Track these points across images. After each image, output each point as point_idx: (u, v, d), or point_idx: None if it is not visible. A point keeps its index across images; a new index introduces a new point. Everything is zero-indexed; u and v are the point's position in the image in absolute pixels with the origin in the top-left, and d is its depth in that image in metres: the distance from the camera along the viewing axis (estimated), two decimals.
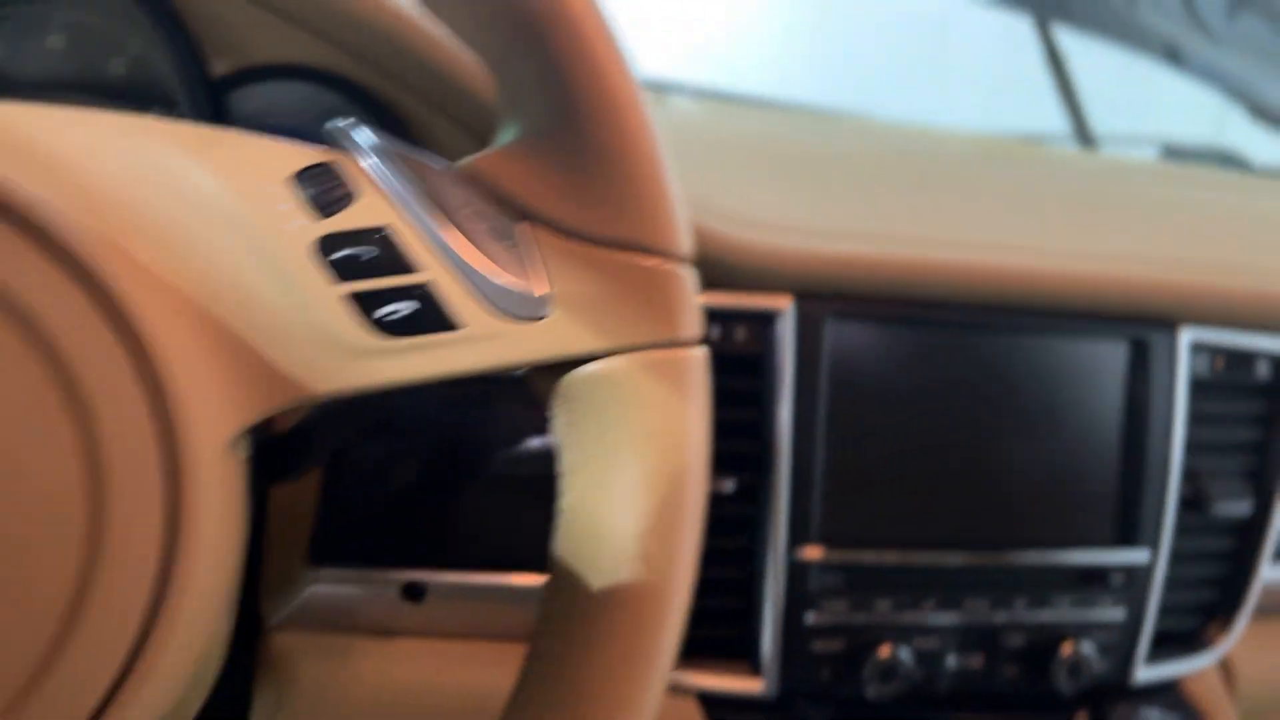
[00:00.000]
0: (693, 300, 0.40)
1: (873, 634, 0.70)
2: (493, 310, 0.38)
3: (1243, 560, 0.80)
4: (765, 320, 0.67)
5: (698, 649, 0.70)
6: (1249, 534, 0.79)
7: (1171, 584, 0.77)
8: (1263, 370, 0.79)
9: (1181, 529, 0.77)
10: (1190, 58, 1.43)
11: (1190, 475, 0.77)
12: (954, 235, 0.72)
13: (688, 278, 0.40)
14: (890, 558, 0.70)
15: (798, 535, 0.68)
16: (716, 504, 0.67)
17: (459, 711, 0.67)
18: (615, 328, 0.39)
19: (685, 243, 0.40)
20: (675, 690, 0.68)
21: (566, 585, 0.39)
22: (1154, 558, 0.75)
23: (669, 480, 0.39)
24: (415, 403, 0.66)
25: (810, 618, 0.69)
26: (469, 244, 0.38)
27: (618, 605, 0.38)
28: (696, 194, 0.65)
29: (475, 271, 0.38)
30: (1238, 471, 0.79)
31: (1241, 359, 0.78)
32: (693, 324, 0.40)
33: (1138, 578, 0.75)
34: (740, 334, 0.67)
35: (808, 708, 0.71)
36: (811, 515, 0.68)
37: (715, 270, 0.66)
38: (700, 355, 0.40)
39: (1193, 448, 0.77)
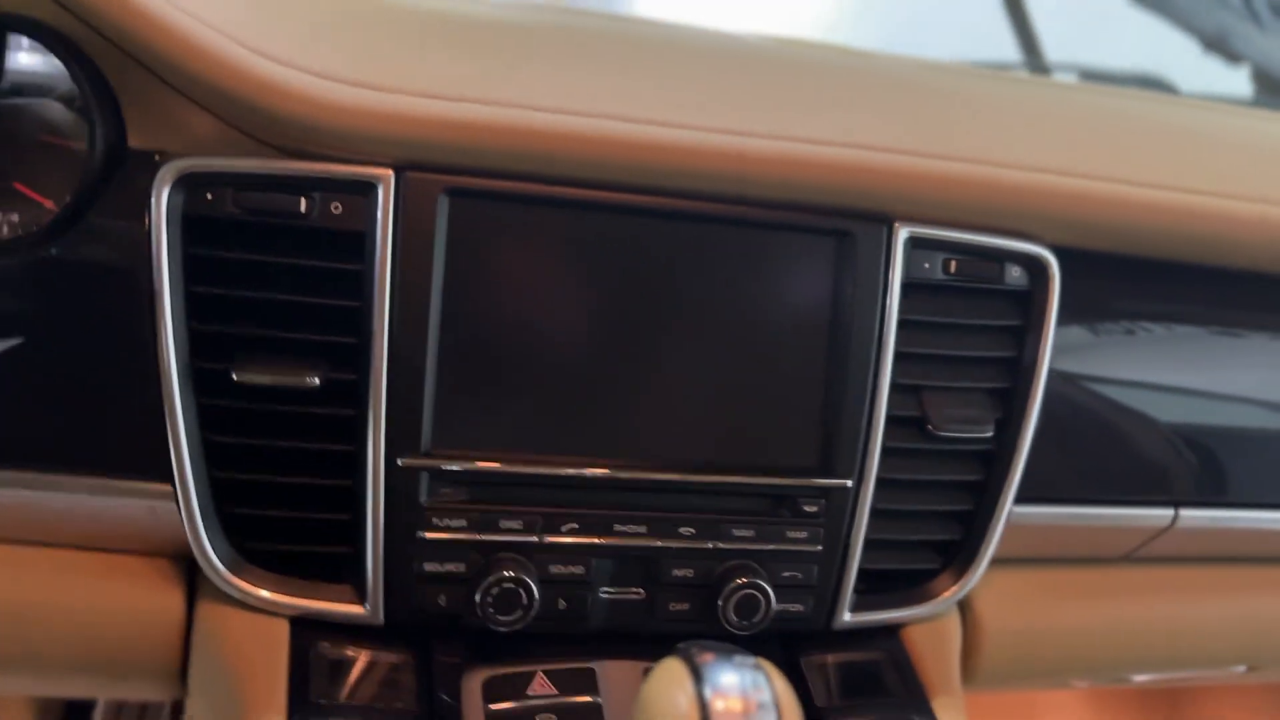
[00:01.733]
0: None
1: (498, 557, 0.61)
2: None
3: (983, 493, 0.69)
4: (363, 192, 0.58)
5: (303, 566, 0.62)
6: (993, 462, 0.69)
7: (887, 516, 0.67)
8: (1014, 275, 0.68)
9: (901, 454, 0.66)
10: None
11: (912, 390, 0.66)
12: (617, 110, 0.62)
13: None
14: (520, 468, 0.61)
15: (403, 440, 0.59)
16: (306, 400, 0.59)
17: None
18: None
19: None
20: (265, 609, 0.61)
21: None
22: (859, 484, 0.65)
23: None
24: None
25: (423, 535, 0.61)
26: None
27: None
28: (293, 53, 0.56)
29: None
30: (980, 390, 0.68)
31: (985, 261, 0.67)
32: None
33: (836, 507, 0.65)
34: (336, 208, 0.58)
35: (432, 640, 0.63)
36: (420, 418, 0.59)
37: (310, 134, 0.57)
38: None
39: (917, 360, 0.66)
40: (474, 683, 0.62)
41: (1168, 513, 0.75)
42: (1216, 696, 1.56)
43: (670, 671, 0.45)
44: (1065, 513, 0.72)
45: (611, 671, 0.64)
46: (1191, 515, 0.75)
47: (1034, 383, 0.68)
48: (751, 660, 0.45)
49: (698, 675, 0.44)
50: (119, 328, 0.57)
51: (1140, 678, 0.83)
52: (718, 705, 0.43)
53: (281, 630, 0.61)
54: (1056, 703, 1.60)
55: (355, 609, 0.61)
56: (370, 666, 0.61)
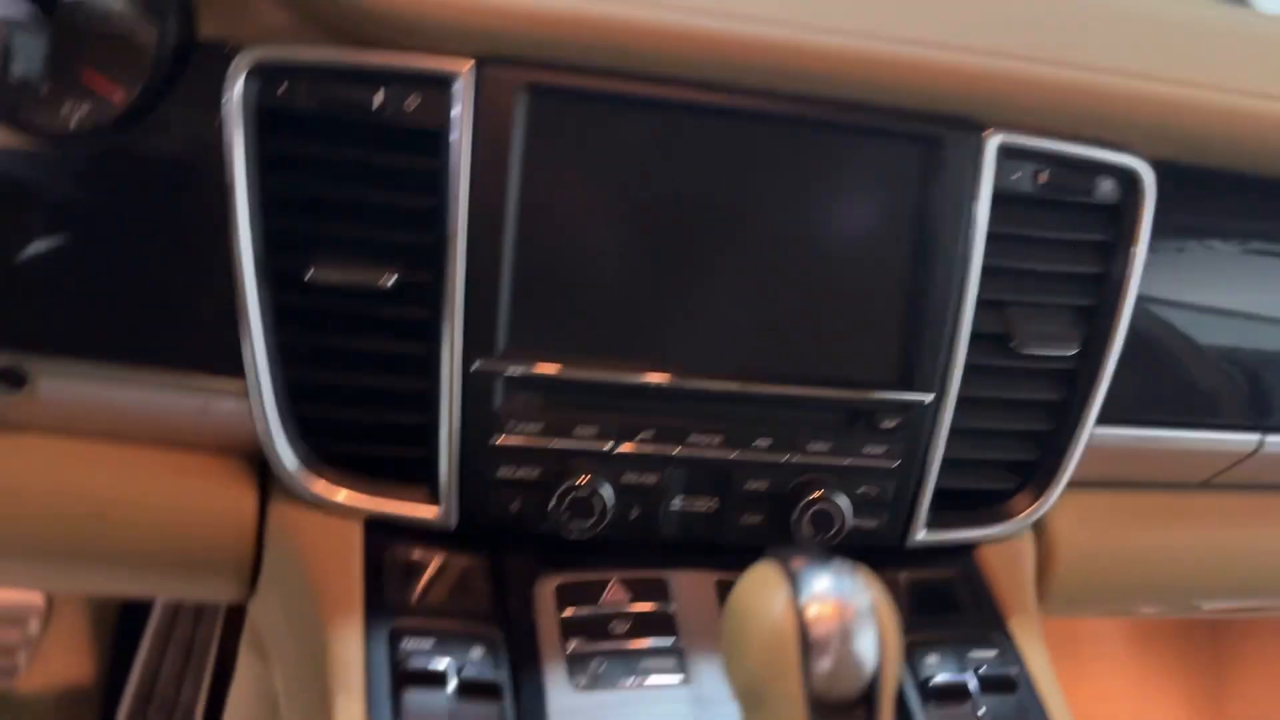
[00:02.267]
0: None
1: (572, 464, 0.60)
2: None
3: (1065, 414, 0.67)
4: (441, 86, 0.56)
5: (376, 468, 0.61)
6: (1074, 382, 0.67)
7: (966, 435, 0.66)
8: (1106, 188, 0.65)
9: (982, 371, 0.65)
10: None
11: (996, 306, 0.64)
12: (703, 5, 0.59)
13: None
14: (595, 375, 0.60)
15: (478, 344, 0.58)
16: (381, 301, 0.58)
17: (67, 516, 0.60)
18: None
19: None
20: (338, 511, 0.60)
21: None
22: (939, 401, 0.63)
23: None
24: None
25: (497, 440, 0.60)
26: None
27: None
28: None
29: None
30: (1066, 307, 0.66)
31: (1076, 173, 0.64)
32: None
33: (915, 423, 0.63)
34: (412, 103, 0.57)
35: (503, 546, 0.63)
36: (496, 321, 0.58)
37: (388, 23, 0.55)
38: None
39: (1003, 275, 0.64)
40: (547, 589, 0.61)
41: (1253, 438, 0.73)
42: (1259, 636, 1.55)
43: (764, 576, 0.44)
44: (1146, 435, 0.71)
45: (683, 581, 0.63)
46: (1278, 441, 0.73)
47: (1121, 301, 0.65)
48: (849, 565, 0.44)
49: (793, 580, 0.43)
50: (192, 222, 0.56)
51: (1210, 605, 0.82)
52: (814, 610, 0.42)
53: (354, 532, 0.60)
54: (1099, 636, 1.60)
55: (428, 512, 0.61)
56: (443, 570, 0.61)
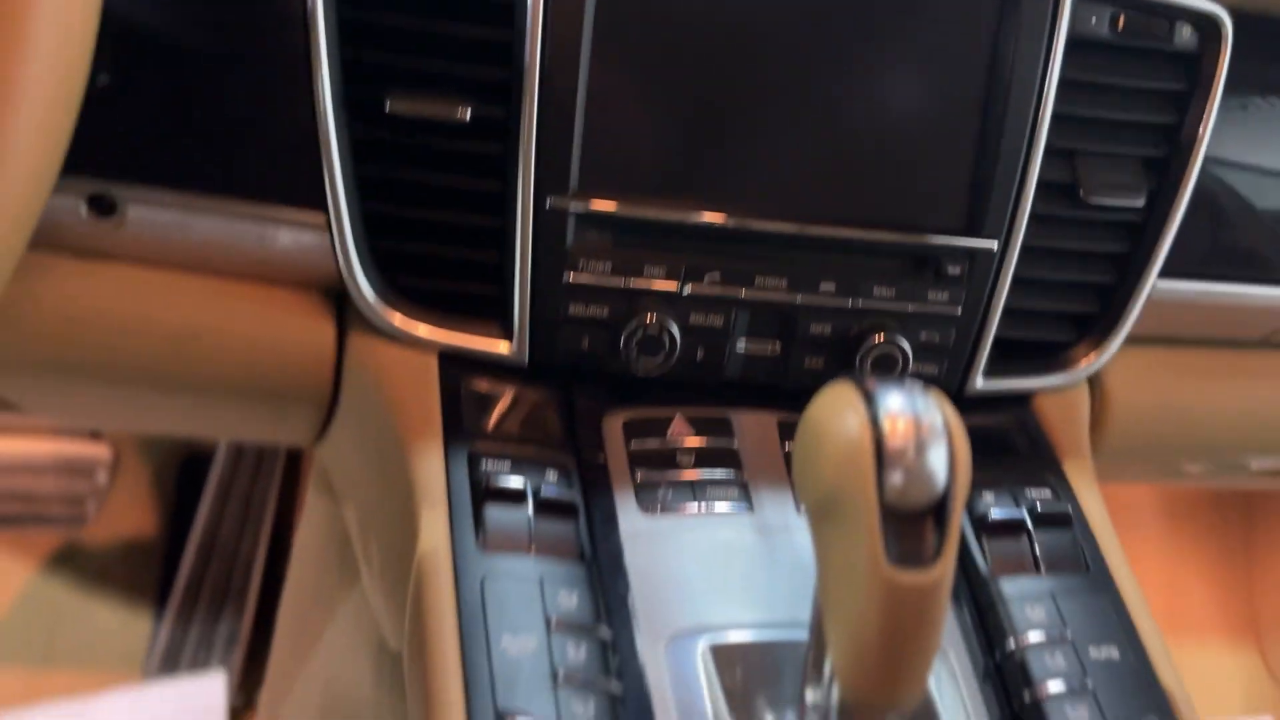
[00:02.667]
0: None
1: (642, 302, 0.62)
2: None
3: (1128, 266, 0.67)
4: None
5: (451, 304, 0.63)
6: (1140, 234, 0.67)
7: (1029, 285, 0.66)
8: (1184, 36, 0.64)
9: (1048, 220, 0.65)
10: None
11: (1065, 155, 0.64)
12: None
13: None
14: (666, 214, 0.61)
15: (552, 180, 0.59)
16: (458, 135, 0.59)
17: (157, 342, 0.63)
18: None
19: None
20: (414, 344, 0.62)
21: None
22: (1004, 249, 0.64)
23: None
24: None
25: (568, 277, 0.61)
26: None
27: None
28: None
29: None
30: (1136, 158, 0.66)
31: (1155, 18, 0.63)
32: None
33: (979, 270, 0.64)
34: None
35: (573, 382, 0.65)
36: (570, 158, 0.59)
37: None
38: None
39: (1074, 123, 0.64)
40: (615, 424, 0.63)
41: None
42: None
43: (841, 393, 0.45)
44: (1206, 289, 0.71)
45: (746, 420, 0.65)
46: None
47: (1193, 153, 0.65)
48: (921, 386, 0.45)
49: (869, 397, 0.44)
50: (274, 53, 0.57)
51: (1259, 464, 0.83)
52: (889, 424, 0.43)
53: (430, 365, 0.62)
54: (1135, 509, 1.62)
55: (502, 348, 0.62)
56: (516, 402, 0.63)
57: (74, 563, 1.36)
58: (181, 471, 1.45)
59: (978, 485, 0.64)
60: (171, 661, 1.33)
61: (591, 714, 0.48)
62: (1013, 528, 0.62)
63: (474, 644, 0.50)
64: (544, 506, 0.56)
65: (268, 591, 1.35)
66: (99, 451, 1.35)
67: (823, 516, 0.46)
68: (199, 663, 1.32)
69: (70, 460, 1.35)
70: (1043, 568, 0.60)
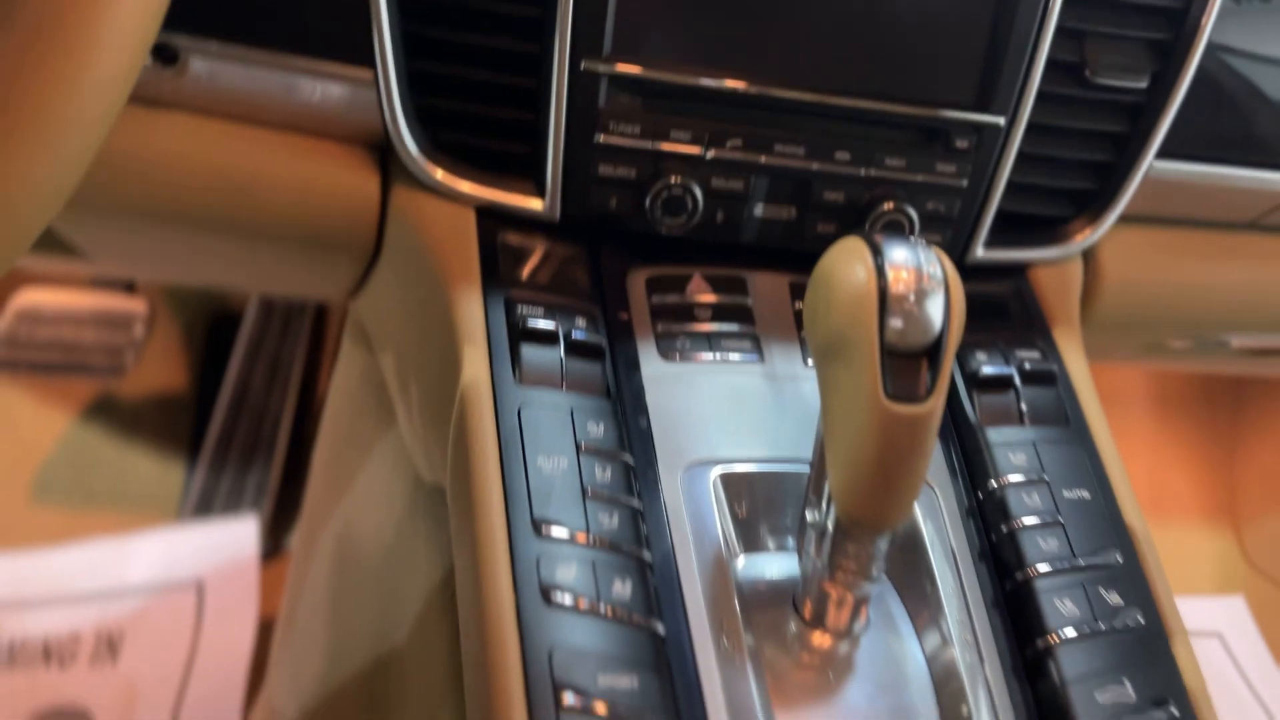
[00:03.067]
0: None
1: (667, 164, 0.66)
2: None
3: (1127, 145, 0.71)
4: None
5: (488, 161, 0.67)
6: (1140, 115, 0.70)
7: (1032, 161, 0.70)
8: None
9: (1054, 99, 0.68)
10: None
11: (1074, 35, 0.67)
12: None
13: None
14: (692, 80, 0.64)
15: (586, 43, 0.63)
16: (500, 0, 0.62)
17: (211, 185, 0.67)
18: None
19: None
20: (454, 198, 0.67)
21: None
22: (1010, 124, 0.68)
23: None
24: None
25: (599, 138, 0.65)
26: None
27: None
28: None
29: None
30: (1141, 39, 0.69)
31: None
32: None
33: (986, 145, 0.68)
34: None
35: (601, 239, 0.69)
36: (604, 23, 0.62)
37: None
38: None
39: (1083, 4, 0.67)
40: (638, 279, 0.68)
41: None
42: (1277, 406, 1.62)
43: (851, 245, 0.50)
44: (1202, 171, 0.75)
45: (760, 280, 0.70)
46: None
47: (1196, 37, 0.68)
48: (925, 243, 0.50)
49: (876, 249, 0.49)
50: None
51: (1238, 342, 0.88)
52: (893, 274, 0.48)
53: (469, 218, 0.67)
54: (1123, 397, 1.68)
55: (535, 204, 0.67)
56: (548, 256, 0.68)
57: (111, 412, 1.43)
58: (212, 330, 1.51)
59: (972, 345, 0.69)
60: (205, 508, 1.41)
61: (615, 525, 0.54)
62: (1001, 383, 0.67)
63: (513, 463, 0.56)
64: (574, 348, 0.62)
65: (295, 445, 1.43)
66: (136, 306, 1.41)
67: (829, 356, 0.51)
68: (230, 510, 1.40)
69: (109, 313, 1.41)
70: (1026, 420, 0.66)
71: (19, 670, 1.21)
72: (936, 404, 0.48)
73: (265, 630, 1.29)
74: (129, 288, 1.43)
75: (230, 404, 1.45)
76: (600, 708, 0.48)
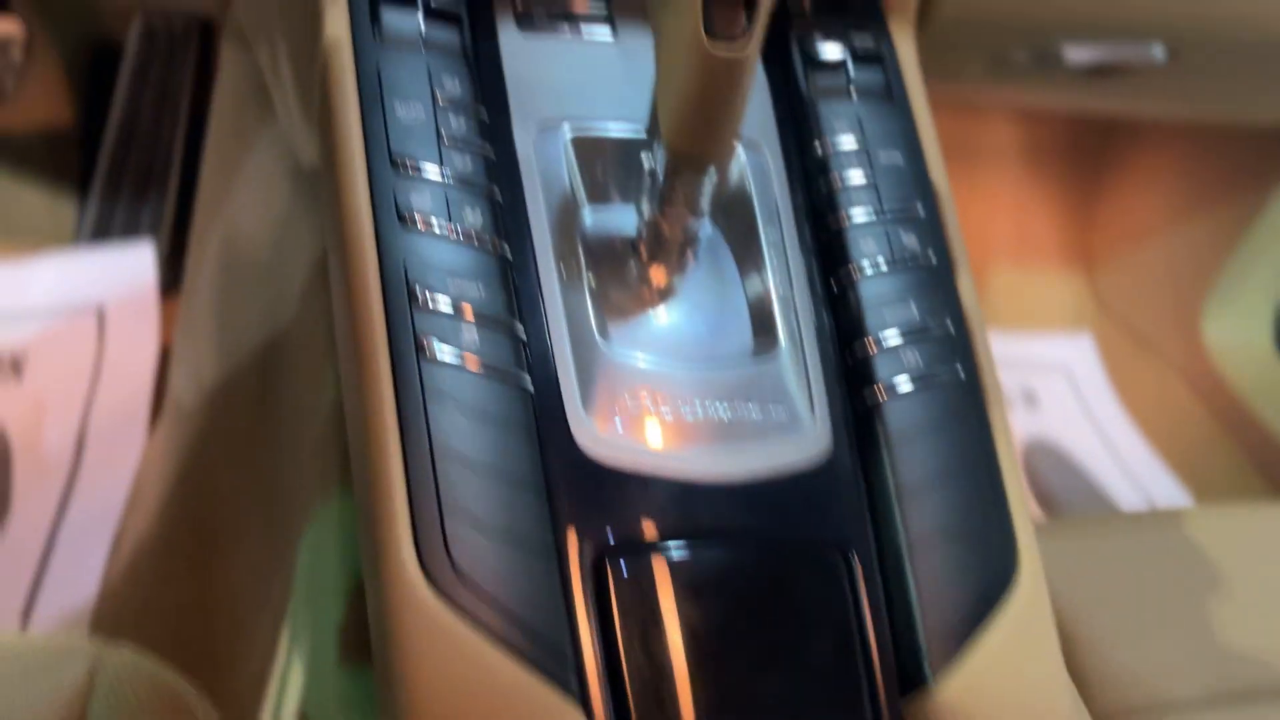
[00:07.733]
0: None
1: None
2: None
3: None
4: None
5: None
6: None
7: None
8: None
9: None
10: None
11: None
12: None
13: None
14: None
15: None
16: None
17: None
18: None
19: None
20: None
21: None
22: None
23: None
24: None
25: None
26: None
27: None
28: None
29: None
30: None
31: None
32: None
33: None
34: None
35: None
36: None
37: None
38: None
39: None
40: None
41: None
42: (1139, 149, 1.72)
43: None
44: None
45: None
46: None
47: None
48: None
49: None
50: None
51: (1075, 54, 0.94)
52: None
53: None
54: (996, 151, 1.77)
55: None
56: None
57: None
58: (94, 60, 1.48)
59: (813, 30, 0.74)
60: (99, 241, 1.43)
61: (469, 167, 0.60)
62: (834, 66, 0.73)
63: (372, 111, 0.60)
64: (432, 13, 0.65)
65: (188, 175, 1.44)
66: (11, 28, 1.37)
67: (660, 5, 0.56)
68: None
69: None
70: (854, 95, 0.72)
71: None
72: (753, 42, 0.54)
73: (166, 359, 1.33)
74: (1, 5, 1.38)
75: (118, 135, 1.44)
76: (446, 304, 0.55)
